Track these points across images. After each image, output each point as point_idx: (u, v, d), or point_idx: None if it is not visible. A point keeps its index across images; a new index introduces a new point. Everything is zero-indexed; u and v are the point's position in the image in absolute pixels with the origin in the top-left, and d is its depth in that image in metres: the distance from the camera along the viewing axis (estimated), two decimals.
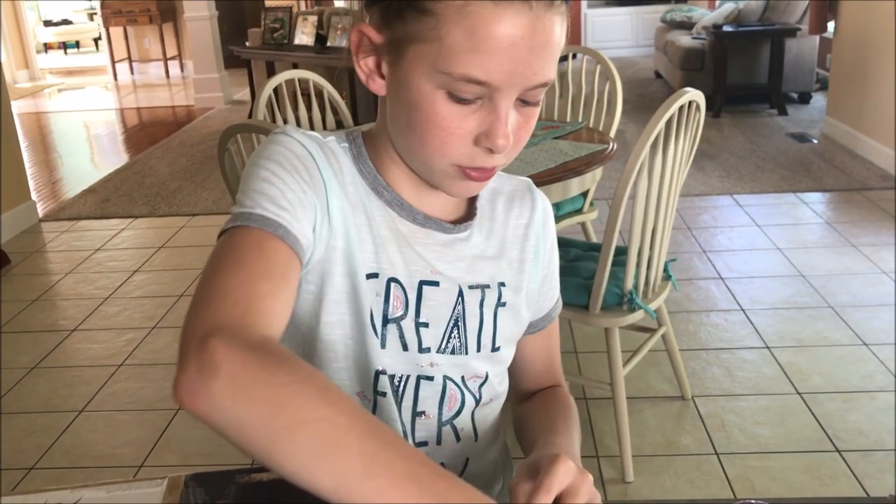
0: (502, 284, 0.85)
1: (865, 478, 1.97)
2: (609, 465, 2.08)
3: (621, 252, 2.04)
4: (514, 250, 0.87)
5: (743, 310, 2.86)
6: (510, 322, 0.86)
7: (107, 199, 4.59)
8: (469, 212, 0.85)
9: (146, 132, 6.63)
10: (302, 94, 2.80)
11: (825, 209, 3.90)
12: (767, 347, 2.60)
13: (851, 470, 2.00)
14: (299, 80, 2.77)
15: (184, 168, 5.17)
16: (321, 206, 0.73)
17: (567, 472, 0.63)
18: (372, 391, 0.81)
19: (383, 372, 0.80)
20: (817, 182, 4.22)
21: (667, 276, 2.14)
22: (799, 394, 2.34)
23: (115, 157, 5.81)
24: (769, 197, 4.06)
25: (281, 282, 0.64)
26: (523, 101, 0.71)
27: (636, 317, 1.99)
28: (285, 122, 2.67)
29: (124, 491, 0.55)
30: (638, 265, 1.96)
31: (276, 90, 2.69)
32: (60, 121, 7.48)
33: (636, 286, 1.98)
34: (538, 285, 0.90)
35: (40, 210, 4.41)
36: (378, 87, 0.75)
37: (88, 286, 3.41)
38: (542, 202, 0.90)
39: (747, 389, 2.38)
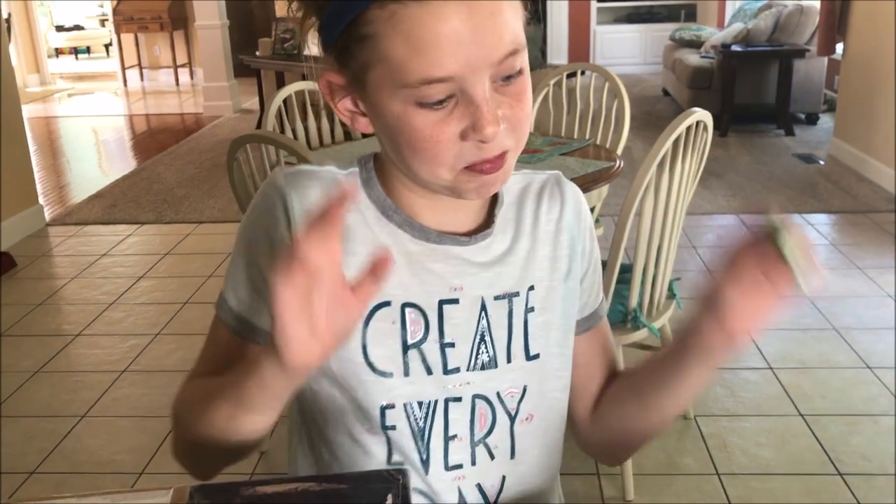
0: (531, 288, 0.82)
1: (867, 502, 1.96)
2: (610, 483, 2.07)
3: (626, 270, 2.04)
4: (546, 248, 0.84)
5: None
6: (543, 326, 0.83)
7: (114, 205, 4.61)
8: (488, 220, 0.82)
9: (154, 139, 6.66)
10: (311, 105, 2.81)
11: (830, 231, 3.90)
12: (770, 368, 2.59)
13: (853, 494, 1.99)
14: (309, 92, 2.79)
15: (191, 175, 5.19)
16: None
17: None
18: (380, 427, 0.79)
19: (390, 406, 0.78)
20: (823, 203, 4.22)
21: (671, 295, 2.14)
22: (801, 416, 2.33)
23: (123, 163, 5.84)
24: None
25: (222, 364, 0.78)
26: (503, 79, 0.68)
27: (640, 335, 1.99)
28: (294, 132, 2.68)
29: (130, 500, 0.55)
30: (643, 283, 1.96)
31: (285, 101, 2.71)
32: (69, 126, 7.52)
33: (640, 304, 1.98)
34: (577, 282, 0.87)
35: (47, 214, 4.43)
36: (363, 125, 0.74)
37: (93, 291, 3.42)
38: (573, 194, 0.87)
39: (749, 410, 2.37)
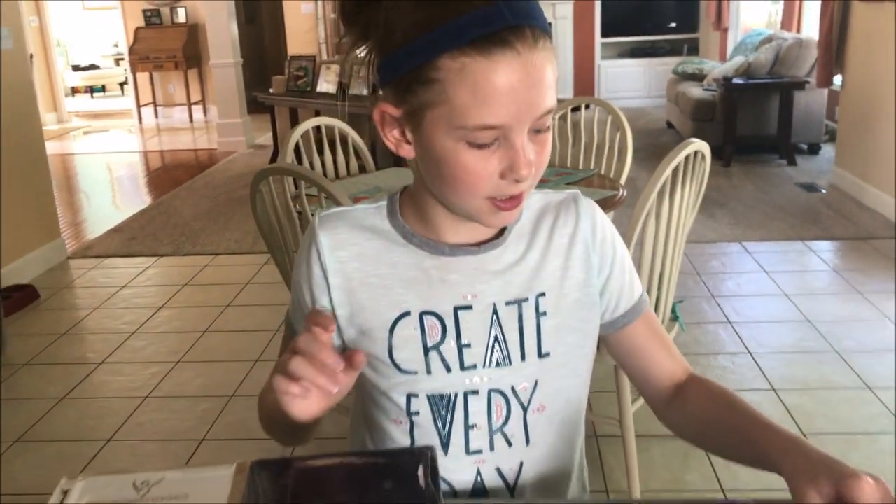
0: (542, 295, 0.92)
1: None
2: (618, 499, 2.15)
3: None
4: (558, 259, 0.94)
5: (750, 353, 2.94)
6: (556, 329, 0.93)
7: (133, 238, 4.74)
8: (501, 232, 0.93)
9: (169, 174, 6.82)
10: (329, 141, 2.94)
11: (832, 257, 3.99)
12: (773, 390, 2.67)
13: None
14: (325, 127, 2.92)
15: (207, 209, 5.33)
16: (322, 295, 0.92)
17: (873, 492, 0.67)
18: (405, 413, 0.92)
19: (414, 395, 0.91)
20: (825, 231, 4.31)
21: (674, 318, 2.23)
22: (803, 434, 2.40)
23: (138, 199, 5.98)
24: (778, 244, 4.15)
25: None
26: (535, 131, 0.81)
27: None
28: (311, 165, 2.80)
29: (199, 473, 0.65)
30: None
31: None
32: (86, 162, 7.69)
33: None
34: (596, 290, 0.95)
35: (67, 248, 4.55)
36: (407, 152, 0.86)
37: (115, 321, 3.53)
38: (588, 211, 0.96)
39: None
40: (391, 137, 0.86)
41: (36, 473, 2.39)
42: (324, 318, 0.73)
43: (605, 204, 2.32)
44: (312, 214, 0.97)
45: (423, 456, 0.65)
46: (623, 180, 2.79)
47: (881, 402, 2.56)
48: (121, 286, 3.96)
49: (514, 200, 0.83)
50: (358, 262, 0.92)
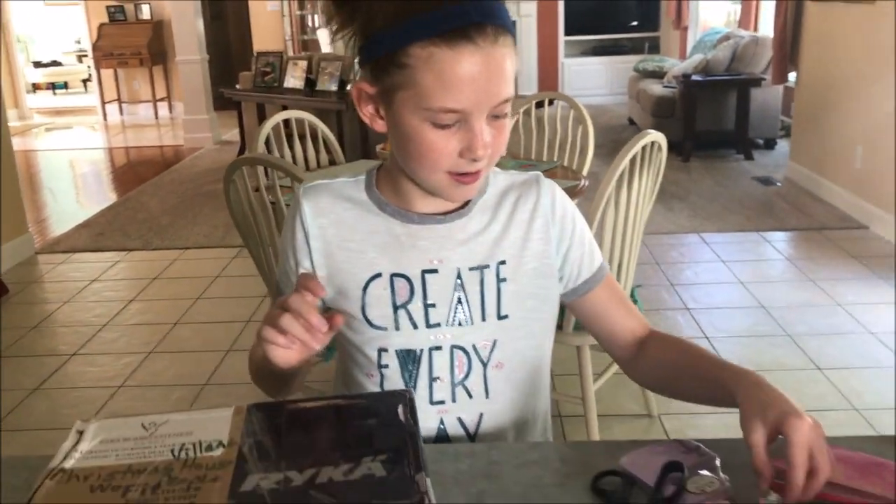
0: (502, 263, 1.01)
1: None
2: None
3: None
4: (519, 231, 1.03)
5: (707, 337, 3.07)
6: (516, 294, 1.02)
7: (101, 233, 4.75)
8: (465, 205, 1.03)
9: (134, 171, 6.80)
10: (299, 136, 3.00)
11: (786, 247, 4.14)
12: None
13: None
14: (295, 121, 2.98)
15: (175, 205, 5.34)
16: (304, 258, 1.03)
17: (809, 431, 0.75)
18: (376, 366, 1.02)
19: (384, 350, 1.01)
20: (780, 222, 4.47)
21: (633, 301, 2.33)
22: None
23: (103, 196, 5.96)
24: (734, 235, 4.29)
25: None
26: (494, 116, 0.90)
27: None
28: (283, 157, 2.87)
29: (201, 415, 0.72)
30: None
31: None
32: (48, 159, 7.63)
33: None
34: (556, 258, 1.05)
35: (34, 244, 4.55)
36: (380, 126, 0.95)
37: (86, 314, 3.55)
38: (549, 189, 1.06)
39: (709, 408, 2.55)
40: (366, 112, 0.95)
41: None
42: (313, 283, 0.81)
43: (567, 193, 2.41)
44: (286, 204, 1.06)
45: (403, 397, 0.74)
46: (585, 174, 2.90)
47: (829, 382, 2.70)
48: (90, 280, 3.98)
49: (473, 175, 0.93)
50: (336, 228, 1.02)
